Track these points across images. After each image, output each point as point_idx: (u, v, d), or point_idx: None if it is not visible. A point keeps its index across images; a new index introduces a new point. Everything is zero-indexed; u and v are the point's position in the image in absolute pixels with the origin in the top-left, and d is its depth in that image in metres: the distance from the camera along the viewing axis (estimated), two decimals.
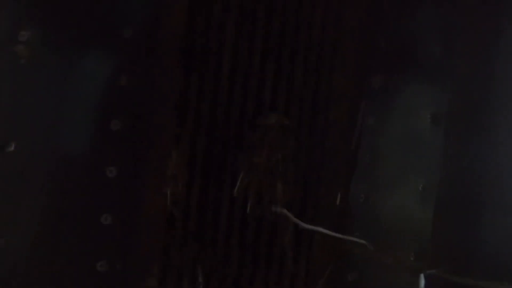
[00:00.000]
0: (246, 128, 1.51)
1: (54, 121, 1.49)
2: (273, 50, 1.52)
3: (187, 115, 1.50)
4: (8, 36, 1.42)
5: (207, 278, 1.52)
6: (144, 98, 1.49)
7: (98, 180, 1.51)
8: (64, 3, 1.44)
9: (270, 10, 1.51)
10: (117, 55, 1.48)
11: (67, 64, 1.48)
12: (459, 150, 1.48)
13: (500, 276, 1.36)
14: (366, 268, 1.47)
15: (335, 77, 1.53)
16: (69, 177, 1.50)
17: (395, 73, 1.49)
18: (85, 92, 1.49)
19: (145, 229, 1.52)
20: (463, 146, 1.47)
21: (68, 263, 1.50)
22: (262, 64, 1.52)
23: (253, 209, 1.51)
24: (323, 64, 1.54)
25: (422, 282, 1.40)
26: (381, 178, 1.48)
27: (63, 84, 1.48)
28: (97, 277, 1.51)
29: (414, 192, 1.48)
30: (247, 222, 1.53)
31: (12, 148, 1.48)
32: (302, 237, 1.53)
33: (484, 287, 1.34)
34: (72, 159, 1.49)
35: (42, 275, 1.51)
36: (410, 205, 1.49)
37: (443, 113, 1.47)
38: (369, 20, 1.49)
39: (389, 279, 1.46)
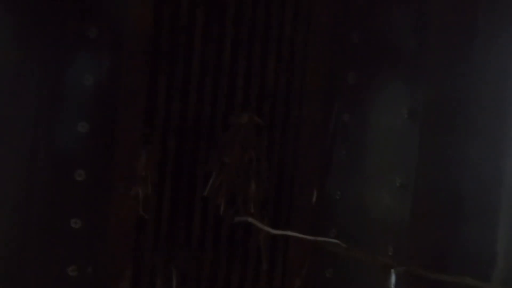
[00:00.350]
0: (218, 127, 1.47)
1: (20, 122, 1.46)
2: (244, 47, 1.49)
3: (156, 114, 1.47)
4: None
5: (181, 281, 1.48)
6: (111, 98, 1.46)
7: (67, 184, 1.47)
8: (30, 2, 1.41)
9: (240, 6, 1.48)
10: (83, 55, 1.45)
11: (33, 64, 1.44)
12: (436, 146, 1.44)
13: (476, 272, 1.33)
14: (343, 264, 1.44)
15: (308, 73, 1.50)
16: (38, 181, 1.46)
17: (370, 69, 1.45)
18: (51, 93, 1.45)
19: (115, 232, 1.49)
20: (440, 141, 1.44)
21: (39, 268, 1.47)
22: (233, 61, 1.49)
23: (226, 210, 1.48)
24: (295, 60, 1.50)
25: (393, 278, 1.37)
26: (358, 175, 1.45)
27: (29, 85, 1.45)
28: (68, 282, 1.47)
29: (391, 188, 1.44)
30: (220, 222, 1.50)
31: None
32: (278, 236, 1.49)
33: (457, 282, 1.30)
34: (40, 163, 1.46)
35: (12, 281, 1.47)
36: (387, 202, 1.45)
37: (420, 108, 1.44)
38: (342, 15, 1.46)
39: (366, 275, 1.42)
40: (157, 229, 1.49)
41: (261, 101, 1.50)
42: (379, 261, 1.39)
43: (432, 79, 1.46)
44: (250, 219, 1.42)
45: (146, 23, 1.44)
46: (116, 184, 1.47)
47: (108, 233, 1.49)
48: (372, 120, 1.48)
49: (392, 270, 1.31)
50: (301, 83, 1.50)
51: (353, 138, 1.47)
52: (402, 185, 1.45)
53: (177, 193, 1.49)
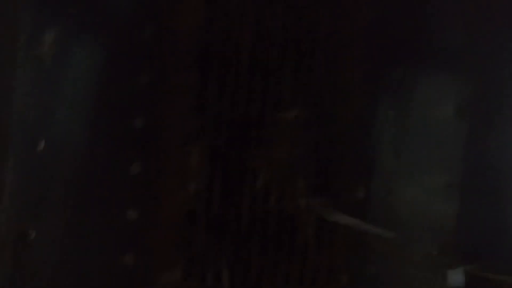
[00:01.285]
0: (266, 123, 1.51)
1: (79, 120, 1.53)
2: (292, 44, 1.52)
3: (207, 111, 1.52)
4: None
5: (231, 272, 1.53)
6: (163, 96, 1.52)
7: (123, 177, 1.54)
8: (84, 4, 1.48)
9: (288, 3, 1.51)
10: (137, 55, 1.51)
11: (89, 65, 1.52)
12: (484, 144, 1.44)
13: None
14: (388, 262, 1.45)
15: (355, 69, 1.52)
16: (95, 175, 1.54)
17: (415, 65, 1.46)
18: (106, 91, 1.52)
19: (168, 224, 1.55)
20: (489, 139, 1.43)
21: (94, 257, 1.54)
22: (281, 58, 1.52)
23: (274, 204, 1.52)
24: (342, 56, 1.52)
25: (455, 277, 1.37)
26: (404, 172, 1.46)
27: (85, 84, 1.52)
28: (122, 271, 1.54)
29: (438, 187, 1.45)
30: (268, 216, 1.54)
31: (42, 147, 1.53)
32: (324, 230, 1.52)
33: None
34: (97, 158, 1.53)
35: (68, 270, 1.55)
36: (434, 200, 1.46)
37: (468, 105, 1.44)
38: (385, 11, 1.47)
39: (411, 273, 1.44)
40: (208, 222, 1.54)
41: (308, 98, 1.52)
42: (430, 259, 1.40)
43: (482, 74, 1.45)
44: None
45: (197, 20, 1.49)
46: (170, 177, 1.53)
47: (162, 224, 1.56)
48: (418, 117, 1.48)
49: (455, 270, 1.31)
50: (347, 79, 1.52)
51: (399, 136, 1.49)
52: (448, 183, 1.45)
53: (227, 188, 1.54)
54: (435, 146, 1.47)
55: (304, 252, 1.55)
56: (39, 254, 1.53)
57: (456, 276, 1.40)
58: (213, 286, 1.57)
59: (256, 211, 1.56)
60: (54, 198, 1.54)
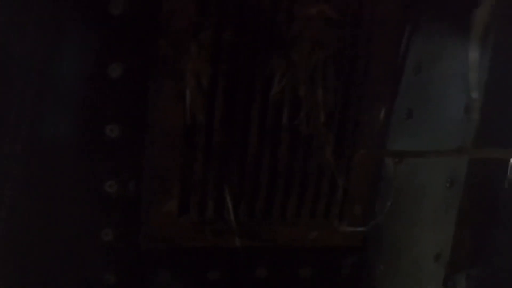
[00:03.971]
0: (282, 19, 1.23)
1: None
2: None
3: None
4: None
5: (235, 201, 1.23)
6: None
7: (101, 82, 1.19)
8: None
9: None
10: None
11: None
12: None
13: None
14: (402, 194, 1.25)
15: None
16: (80, 89, 1.17)
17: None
18: None
19: (160, 143, 1.21)
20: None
21: (73, 185, 1.18)
22: None
23: (290, 118, 1.24)
24: None
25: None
26: (427, 93, 1.25)
27: None
28: (106, 198, 1.19)
29: None
30: (281, 135, 1.25)
31: None
32: (341, 154, 1.27)
33: None
34: (76, 60, 1.17)
35: (49, 198, 1.18)
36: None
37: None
38: None
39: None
40: (208, 140, 1.23)
41: None
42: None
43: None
44: None
45: None
46: (160, 82, 1.20)
47: (151, 143, 1.22)
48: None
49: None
50: None
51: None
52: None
53: (232, 97, 1.23)
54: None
55: (319, 180, 1.30)
56: None
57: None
58: (214, 220, 1.27)
59: (266, 128, 1.27)
60: None
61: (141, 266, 1.24)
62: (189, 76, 1.21)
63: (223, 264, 1.27)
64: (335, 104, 1.28)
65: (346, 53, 1.28)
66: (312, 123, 1.27)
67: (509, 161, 1.21)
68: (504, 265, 1.26)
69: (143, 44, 1.19)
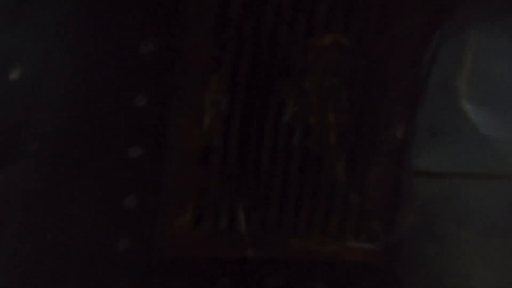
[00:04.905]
0: (296, 50, 1.29)
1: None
2: None
3: (228, 35, 1.27)
4: None
5: (248, 217, 1.35)
6: (177, 16, 1.26)
7: (125, 110, 1.30)
8: None
9: None
10: None
11: None
12: None
13: None
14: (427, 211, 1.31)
15: None
16: (98, 111, 1.28)
17: None
18: (114, 12, 1.25)
19: (178, 162, 1.33)
20: None
21: (92, 199, 1.32)
22: None
23: (301, 140, 1.32)
24: None
25: None
26: (452, 109, 1.29)
27: None
28: (125, 213, 1.33)
29: None
30: (292, 156, 1.35)
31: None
32: (354, 172, 1.35)
33: None
34: (100, 90, 1.27)
35: (65, 213, 1.32)
36: None
37: None
38: None
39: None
40: (224, 161, 1.34)
41: (347, 20, 1.30)
42: None
43: None
44: None
45: None
46: (182, 110, 1.30)
47: (171, 162, 1.34)
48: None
49: None
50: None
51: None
52: None
53: (248, 122, 1.33)
54: None
55: (331, 196, 1.39)
56: None
57: None
58: (228, 231, 1.40)
59: (279, 149, 1.36)
60: None
61: (155, 275, 1.35)
62: (208, 106, 1.31)
63: (234, 274, 1.41)
64: (348, 125, 1.36)
65: (361, 77, 1.34)
66: (323, 144, 1.36)
67: None
68: None
69: (166, 77, 1.29)
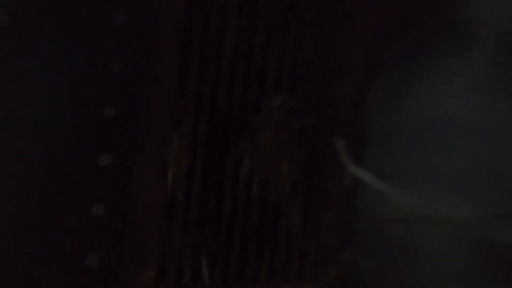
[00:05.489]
0: (249, 110, 1.41)
1: (45, 107, 1.33)
2: (278, 30, 1.41)
3: (187, 98, 1.38)
4: None
5: (211, 267, 1.43)
6: (139, 83, 1.35)
7: (90, 169, 1.37)
8: None
9: None
10: (109, 41, 1.32)
11: (58, 49, 1.31)
12: None
13: None
14: (383, 254, 1.41)
15: (345, 51, 1.44)
16: (61, 166, 1.35)
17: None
18: (76, 78, 1.33)
19: (141, 218, 1.40)
20: None
21: (55, 258, 1.37)
22: (266, 43, 1.41)
23: (258, 191, 1.42)
24: (331, 39, 1.44)
25: None
26: (395, 157, 1.41)
27: (54, 71, 1.31)
28: (87, 271, 1.38)
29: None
30: (251, 205, 1.44)
31: None
32: (309, 219, 1.46)
33: None
34: (64, 147, 1.34)
35: (27, 272, 1.36)
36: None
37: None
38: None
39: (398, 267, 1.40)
40: (186, 213, 1.42)
41: (293, 83, 1.43)
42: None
43: None
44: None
45: (178, 8, 1.34)
46: (147, 168, 1.39)
47: (134, 219, 1.41)
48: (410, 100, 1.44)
49: None
50: (336, 61, 1.44)
51: (390, 118, 1.44)
52: None
53: (208, 176, 1.42)
54: None
55: (289, 243, 1.48)
56: None
57: None
58: (191, 284, 1.47)
59: (238, 200, 1.45)
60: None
61: None
62: (171, 163, 1.40)
63: None
64: (300, 174, 1.46)
65: (308, 132, 1.46)
66: (279, 193, 1.46)
67: None
68: None
69: (128, 138, 1.38)
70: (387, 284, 1.38)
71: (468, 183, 1.29)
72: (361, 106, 1.43)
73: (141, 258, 1.42)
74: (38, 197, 1.36)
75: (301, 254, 1.47)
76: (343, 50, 1.44)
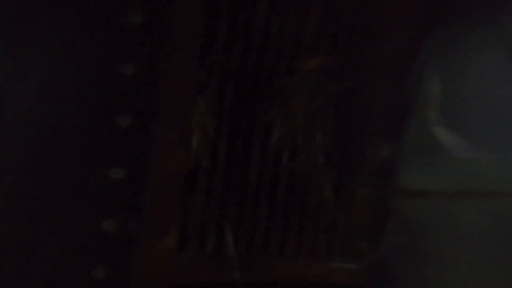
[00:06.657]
0: (282, 73, 1.28)
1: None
2: None
3: (214, 58, 1.26)
4: None
5: (235, 237, 1.33)
6: (162, 38, 1.24)
7: (109, 130, 1.27)
8: None
9: None
10: None
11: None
12: None
13: None
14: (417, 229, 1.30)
15: (393, 7, 1.30)
16: (79, 126, 1.26)
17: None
18: (94, 31, 1.22)
19: (162, 183, 1.31)
20: None
21: (70, 220, 1.28)
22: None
23: (288, 162, 1.32)
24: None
25: None
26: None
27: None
28: (104, 237, 1.30)
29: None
30: (279, 177, 1.34)
31: None
32: (341, 192, 1.35)
33: None
34: (82, 107, 1.25)
35: (41, 236, 1.29)
36: None
37: None
38: None
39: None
40: (210, 183, 1.32)
41: (334, 42, 1.30)
42: None
43: None
44: None
45: None
46: (167, 132, 1.28)
47: (154, 186, 1.32)
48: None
49: None
50: (384, 15, 1.30)
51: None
52: None
53: (235, 144, 1.31)
54: None
55: (318, 217, 1.38)
56: None
57: None
58: (214, 254, 1.38)
59: (266, 169, 1.35)
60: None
61: None
62: (196, 128, 1.29)
63: None
64: (335, 145, 1.35)
65: (346, 99, 1.34)
66: (310, 165, 1.35)
67: None
68: None
69: (149, 99, 1.27)
70: (417, 261, 1.28)
71: None
72: (407, 70, 1.30)
73: (160, 225, 1.33)
74: (55, 158, 1.28)
75: (330, 229, 1.37)
76: (390, 7, 1.29)
